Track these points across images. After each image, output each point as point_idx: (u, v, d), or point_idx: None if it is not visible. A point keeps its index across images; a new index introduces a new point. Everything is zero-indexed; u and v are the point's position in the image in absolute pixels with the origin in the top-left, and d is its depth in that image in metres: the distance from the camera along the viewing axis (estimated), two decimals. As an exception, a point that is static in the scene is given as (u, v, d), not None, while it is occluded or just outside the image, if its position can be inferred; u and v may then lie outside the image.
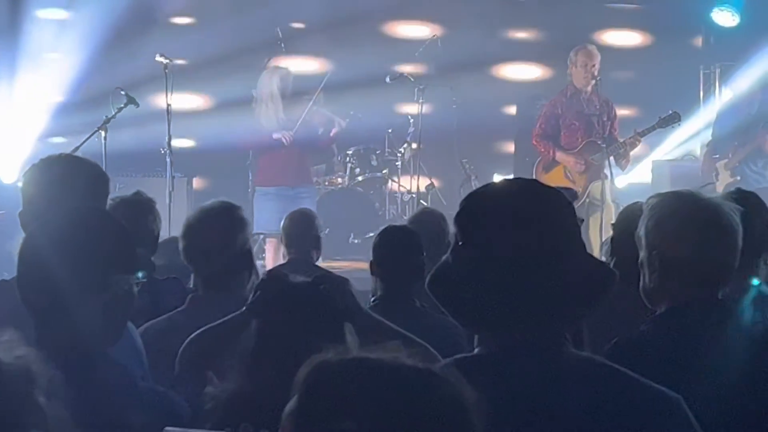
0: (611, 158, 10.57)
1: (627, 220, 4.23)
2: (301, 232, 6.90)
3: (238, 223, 4.52)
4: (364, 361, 1.75)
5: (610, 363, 2.42)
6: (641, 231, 3.38)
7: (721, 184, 11.79)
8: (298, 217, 7.09)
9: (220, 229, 4.44)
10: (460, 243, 2.39)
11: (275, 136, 10.53)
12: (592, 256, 2.45)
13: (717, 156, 11.94)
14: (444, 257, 2.42)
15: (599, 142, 10.67)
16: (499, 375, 2.31)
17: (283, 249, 7.31)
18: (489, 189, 2.49)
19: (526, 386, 2.29)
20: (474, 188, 2.49)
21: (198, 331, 3.67)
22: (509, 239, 2.32)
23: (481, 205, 2.42)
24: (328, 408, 1.68)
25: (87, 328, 2.78)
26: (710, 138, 12.54)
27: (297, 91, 10.91)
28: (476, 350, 2.40)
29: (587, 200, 10.58)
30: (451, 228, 2.45)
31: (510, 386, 2.29)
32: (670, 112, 10.94)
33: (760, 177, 11.77)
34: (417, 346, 3.57)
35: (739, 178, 11.74)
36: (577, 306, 2.37)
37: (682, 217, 3.31)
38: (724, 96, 13.51)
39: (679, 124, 11.20)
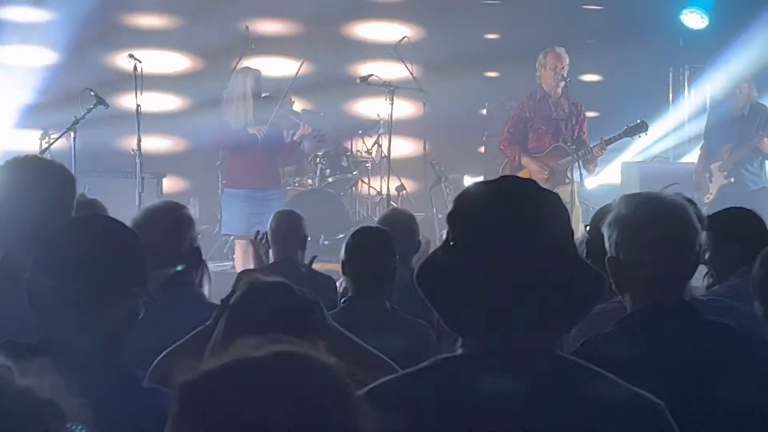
0: (579, 162, 10.59)
1: (600, 221, 4.27)
2: (289, 233, 6.81)
3: (185, 220, 4.47)
4: (228, 368, 1.73)
5: (594, 367, 2.39)
6: (604, 235, 3.40)
7: (714, 186, 11.87)
8: (286, 216, 6.99)
9: (167, 227, 4.39)
10: (451, 242, 2.35)
11: (250, 130, 10.51)
12: (583, 261, 2.42)
13: (712, 158, 12.05)
14: (432, 253, 2.39)
15: (568, 146, 10.69)
16: (484, 377, 2.29)
17: (252, 249, 7.22)
18: (482, 187, 2.44)
19: (511, 388, 2.27)
20: (444, 190, 2.46)
21: (166, 351, 3.66)
22: (500, 240, 2.29)
23: (474, 203, 2.38)
24: (204, 426, 1.68)
25: (96, 338, 2.78)
26: (703, 141, 12.61)
27: (266, 93, 10.91)
28: (460, 351, 2.37)
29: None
30: (424, 228, 2.43)
31: (495, 388, 2.27)
32: (638, 121, 11.00)
33: (756, 178, 11.86)
34: (374, 358, 3.58)
35: (733, 180, 11.81)
36: (567, 310, 2.35)
37: (635, 222, 3.32)
38: (714, 98, 13.57)
39: (645, 133, 11.23)
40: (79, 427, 1.91)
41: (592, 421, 2.28)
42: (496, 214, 2.33)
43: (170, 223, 4.41)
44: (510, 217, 2.32)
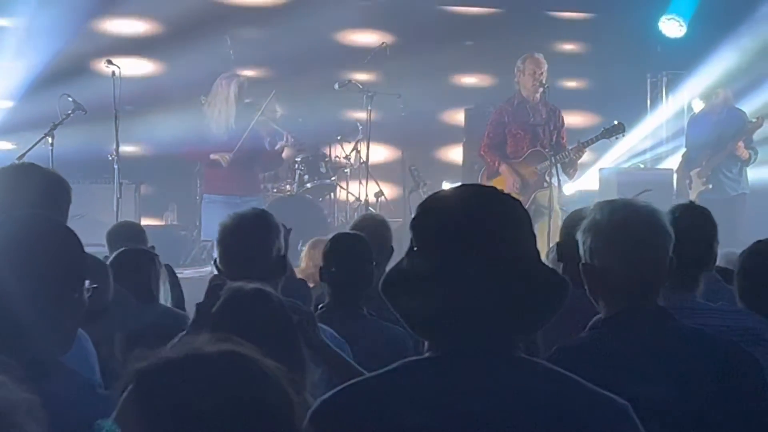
0: (558, 166, 10.61)
1: (572, 226, 4.30)
2: None
3: (274, 228, 4.51)
4: (173, 363, 1.82)
5: (560, 369, 2.41)
6: (579, 241, 3.41)
7: (694, 193, 11.92)
8: None
9: (257, 235, 4.43)
10: (415, 248, 2.37)
11: (213, 157, 10.57)
12: (546, 265, 2.43)
13: (692, 165, 12.11)
14: (398, 261, 2.41)
15: (545, 151, 10.71)
16: (447, 379, 2.31)
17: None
18: (444, 194, 2.48)
19: (474, 390, 2.29)
20: (422, 195, 2.48)
21: None
22: (463, 245, 2.31)
23: (437, 210, 2.41)
24: (146, 414, 1.78)
25: (36, 336, 2.75)
26: (684, 148, 12.67)
27: (248, 99, 10.92)
28: (426, 354, 2.39)
29: (533, 207, 10.64)
30: (402, 234, 2.44)
31: (458, 390, 2.29)
32: (615, 122, 11.00)
33: (735, 184, 11.90)
34: (356, 371, 3.60)
35: (711, 186, 11.87)
36: (530, 314, 2.37)
37: (609, 229, 3.34)
38: (693, 105, 13.62)
39: (623, 135, 11.24)
40: (107, 423, 1.96)
41: (555, 422, 2.29)
42: (456, 220, 2.35)
43: (258, 231, 4.45)
44: (471, 222, 2.34)
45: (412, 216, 2.44)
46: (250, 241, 4.42)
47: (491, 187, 2.50)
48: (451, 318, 2.32)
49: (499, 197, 2.43)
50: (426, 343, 2.41)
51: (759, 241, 4.56)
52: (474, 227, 2.34)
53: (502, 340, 2.35)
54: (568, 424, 2.30)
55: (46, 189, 4.19)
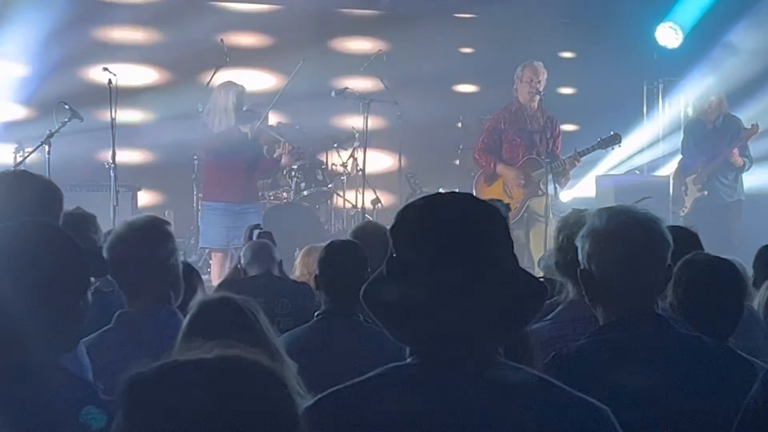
0: (551, 174, 10.60)
1: (566, 228, 4.36)
2: (263, 262, 6.88)
3: (164, 236, 4.45)
4: (178, 366, 1.84)
5: (538, 374, 2.45)
6: (578, 248, 3.42)
7: (689, 199, 11.91)
8: (257, 249, 7.05)
9: (145, 242, 4.35)
10: (394, 255, 2.40)
11: (243, 129, 10.53)
12: (523, 270, 2.45)
13: (688, 171, 12.10)
14: (379, 269, 2.43)
15: (541, 159, 10.71)
16: (428, 385, 2.33)
17: (234, 262, 7.25)
18: (422, 202, 2.48)
19: (454, 396, 2.30)
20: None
21: None
22: (440, 252, 2.33)
23: (414, 218, 2.42)
24: (152, 418, 1.79)
25: (39, 341, 2.77)
26: (680, 154, 12.67)
27: (245, 106, 10.94)
28: (407, 360, 2.41)
29: (526, 215, 10.65)
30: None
31: (438, 396, 2.31)
32: (612, 133, 10.98)
33: (731, 190, 11.89)
34: None
35: (707, 192, 11.87)
36: (508, 319, 2.38)
37: (607, 235, 3.35)
38: (688, 112, 13.61)
39: (619, 146, 11.20)
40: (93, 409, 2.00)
41: (535, 425, 2.31)
42: (433, 227, 2.37)
43: (147, 238, 4.40)
44: (448, 228, 2.36)
45: (391, 224, 2.46)
46: (136, 249, 4.36)
47: (467, 194, 2.54)
48: (428, 324, 2.34)
49: (475, 203, 2.46)
50: (408, 349, 2.43)
51: None
52: (451, 234, 2.36)
53: (481, 345, 2.37)
54: (546, 428, 2.32)
55: (39, 196, 4.21)
